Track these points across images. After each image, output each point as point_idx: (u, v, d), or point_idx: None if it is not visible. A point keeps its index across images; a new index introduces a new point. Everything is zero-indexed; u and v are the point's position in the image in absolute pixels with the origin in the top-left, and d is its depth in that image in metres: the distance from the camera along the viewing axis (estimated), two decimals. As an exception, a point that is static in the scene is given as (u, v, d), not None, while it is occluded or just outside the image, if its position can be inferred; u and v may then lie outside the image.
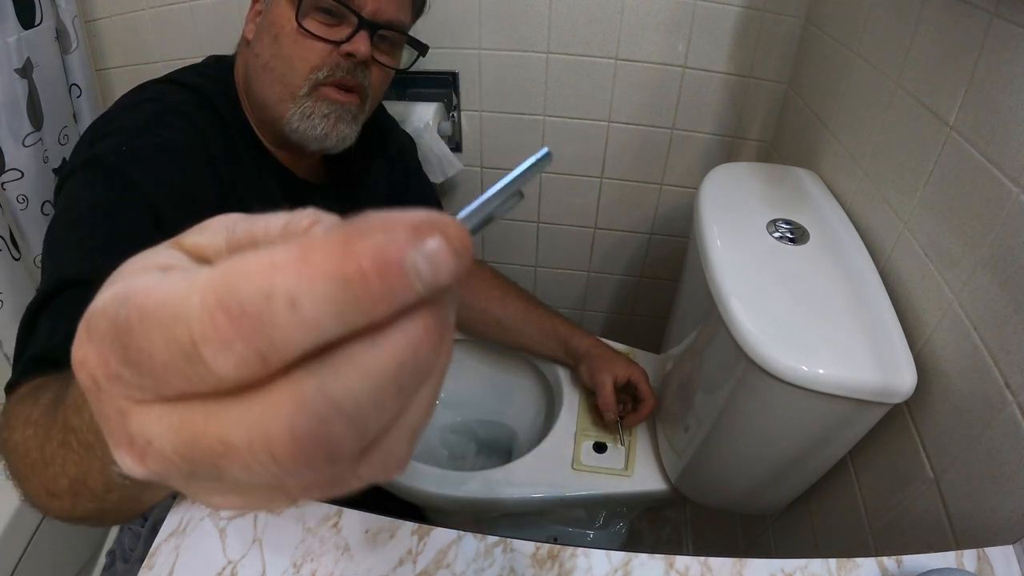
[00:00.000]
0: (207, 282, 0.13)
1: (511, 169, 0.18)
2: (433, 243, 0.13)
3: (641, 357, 1.02)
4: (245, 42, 0.67)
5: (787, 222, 0.72)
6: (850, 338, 0.58)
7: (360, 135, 0.68)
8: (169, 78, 0.65)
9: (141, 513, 0.33)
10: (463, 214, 0.16)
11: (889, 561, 0.47)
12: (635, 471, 0.89)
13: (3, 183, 0.94)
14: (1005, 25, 0.50)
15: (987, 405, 0.51)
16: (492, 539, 0.49)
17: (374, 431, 0.14)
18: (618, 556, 0.49)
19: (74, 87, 1.03)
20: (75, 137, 1.04)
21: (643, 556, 0.48)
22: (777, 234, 0.71)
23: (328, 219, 0.16)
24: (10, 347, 0.96)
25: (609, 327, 1.41)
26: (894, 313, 0.61)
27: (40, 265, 0.55)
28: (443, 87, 1.06)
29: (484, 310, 0.97)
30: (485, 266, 1.01)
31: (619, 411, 0.91)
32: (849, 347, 0.58)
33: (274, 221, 0.16)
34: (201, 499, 0.16)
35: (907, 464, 0.60)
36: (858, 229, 0.72)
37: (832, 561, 0.48)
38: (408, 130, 0.95)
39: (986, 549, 0.48)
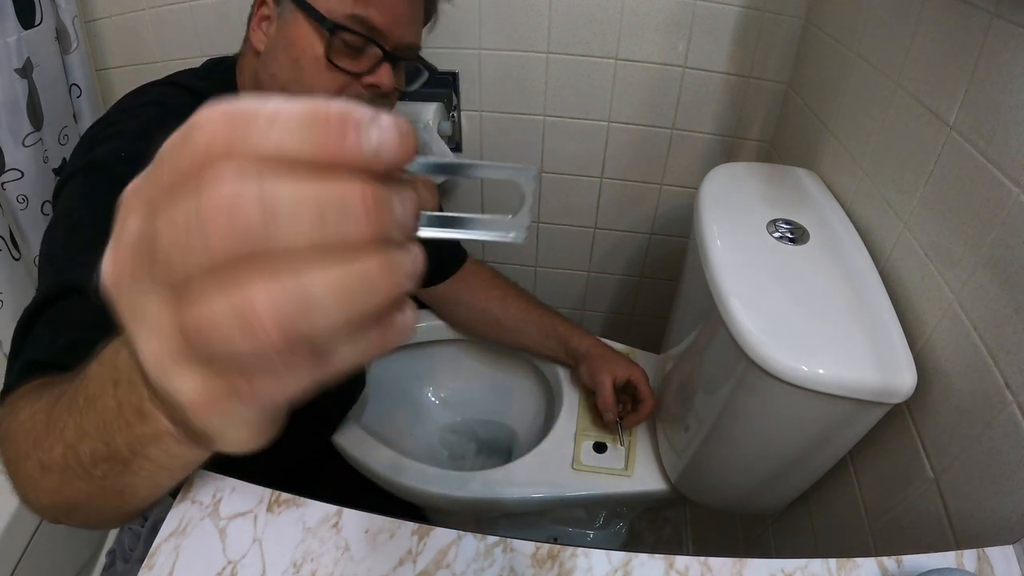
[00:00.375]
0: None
1: None
2: (385, 120, 0.17)
3: (641, 357, 1.02)
4: (253, 51, 0.64)
5: (787, 222, 0.72)
6: (850, 338, 0.58)
7: None
8: (170, 80, 0.65)
9: (124, 511, 0.33)
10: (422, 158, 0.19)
11: (889, 561, 0.47)
12: (635, 471, 0.89)
13: (3, 183, 0.94)
14: (1005, 25, 0.50)
15: (987, 405, 0.51)
16: (492, 539, 0.49)
17: (302, 244, 0.16)
18: (618, 556, 0.49)
19: (74, 87, 1.03)
20: (75, 137, 1.04)
21: (643, 556, 0.48)
22: (777, 234, 0.71)
23: None
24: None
25: (609, 327, 1.41)
26: (894, 313, 0.61)
27: (38, 267, 0.55)
28: (443, 87, 1.06)
29: (484, 310, 0.97)
30: (485, 266, 1.00)
31: (619, 411, 0.91)
32: (849, 347, 0.58)
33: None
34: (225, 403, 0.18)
35: (907, 464, 0.60)
36: (858, 229, 0.72)
37: (832, 561, 0.48)
38: (408, 130, 0.95)
39: (986, 549, 0.48)
